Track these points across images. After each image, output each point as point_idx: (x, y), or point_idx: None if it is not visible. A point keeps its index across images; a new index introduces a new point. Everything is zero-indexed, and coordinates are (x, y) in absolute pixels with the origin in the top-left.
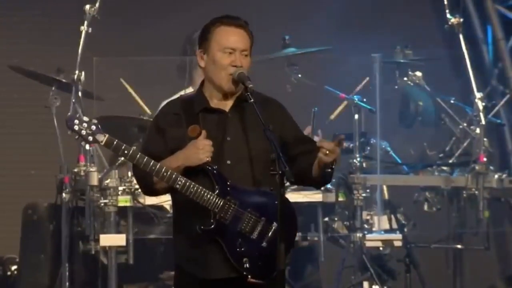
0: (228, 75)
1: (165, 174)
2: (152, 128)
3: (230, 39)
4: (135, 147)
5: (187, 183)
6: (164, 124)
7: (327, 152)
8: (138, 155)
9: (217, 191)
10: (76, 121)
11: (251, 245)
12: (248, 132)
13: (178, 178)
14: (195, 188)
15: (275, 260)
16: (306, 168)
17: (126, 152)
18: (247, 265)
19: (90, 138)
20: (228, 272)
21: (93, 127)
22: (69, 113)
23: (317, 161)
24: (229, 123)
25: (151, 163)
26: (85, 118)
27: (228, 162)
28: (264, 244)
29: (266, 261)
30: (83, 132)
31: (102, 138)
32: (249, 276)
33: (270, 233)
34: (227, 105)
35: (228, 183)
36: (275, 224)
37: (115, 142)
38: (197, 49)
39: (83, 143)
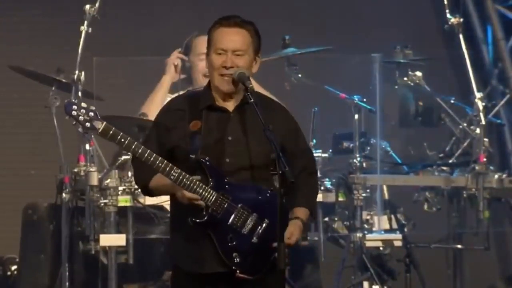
0: (218, 76)
1: (160, 164)
2: (154, 124)
3: (222, 40)
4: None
5: (181, 176)
6: (166, 121)
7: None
8: (134, 145)
9: (211, 184)
10: (74, 107)
11: (241, 240)
12: (249, 132)
13: (173, 170)
14: (189, 180)
15: (265, 256)
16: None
17: (122, 140)
18: (237, 259)
19: (88, 124)
20: (219, 266)
21: (91, 114)
22: (66, 100)
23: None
24: (232, 122)
25: (147, 153)
26: (83, 104)
27: (227, 160)
28: (254, 239)
29: (256, 257)
30: (81, 118)
31: (100, 125)
32: (238, 271)
33: (261, 229)
34: (232, 105)
35: (223, 177)
36: (266, 220)
37: (111, 130)
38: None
39: (80, 129)
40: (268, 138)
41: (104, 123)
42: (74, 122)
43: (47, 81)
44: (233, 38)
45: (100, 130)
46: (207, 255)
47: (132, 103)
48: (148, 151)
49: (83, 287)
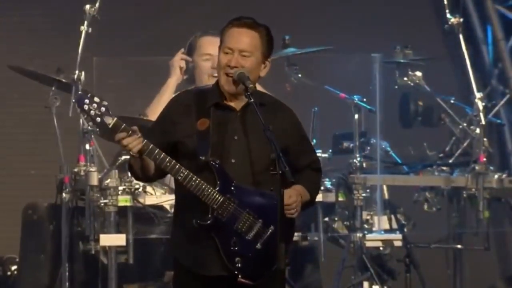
0: (224, 75)
1: (168, 164)
2: (160, 116)
3: (230, 39)
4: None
5: (189, 176)
6: (173, 114)
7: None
8: (144, 143)
9: (218, 187)
10: (86, 101)
11: (245, 245)
12: (255, 133)
13: (181, 170)
14: (196, 181)
15: (267, 263)
16: None
17: None
18: (239, 264)
19: (98, 119)
20: (220, 270)
21: (103, 109)
22: (79, 92)
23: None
24: (238, 122)
25: (156, 151)
26: (96, 99)
27: (233, 160)
28: (258, 246)
29: (259, 263)
30: (92, 112)
31: (110, 120)
32: (240, 276)
33: (266, 236)
34: (239, 104)
35: (230, 180)
36: (272, 227)
37: (122, 126)
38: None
39: (90, 123)
40: (268, 138)
41: (115, 118)
42: (84, 116)
43: (47, 81)
44: (241, 39)
45: (110, 126)
46: (209, 257)
47: (132, 103)
48: (157, 150)
49: (83, 287)
